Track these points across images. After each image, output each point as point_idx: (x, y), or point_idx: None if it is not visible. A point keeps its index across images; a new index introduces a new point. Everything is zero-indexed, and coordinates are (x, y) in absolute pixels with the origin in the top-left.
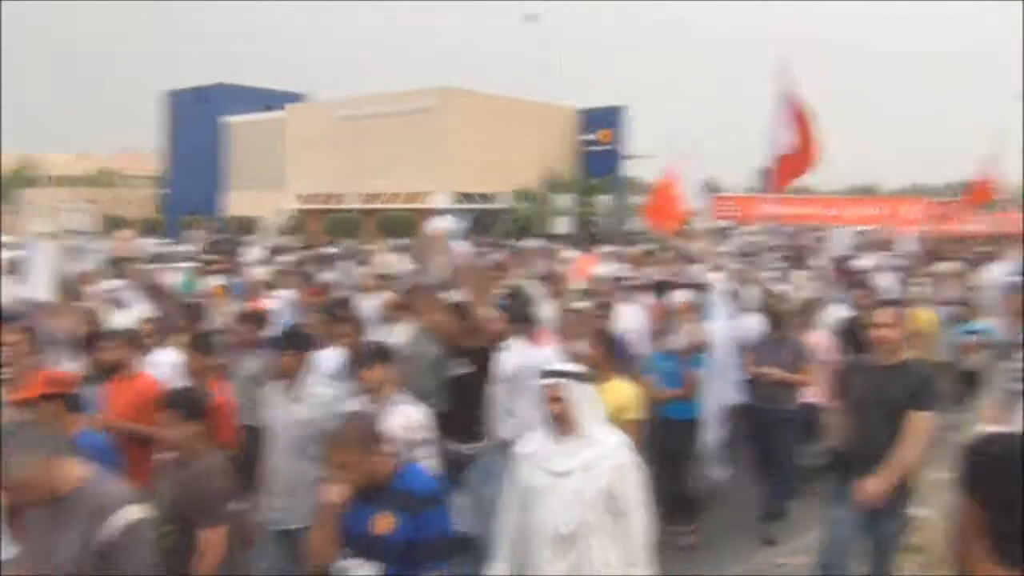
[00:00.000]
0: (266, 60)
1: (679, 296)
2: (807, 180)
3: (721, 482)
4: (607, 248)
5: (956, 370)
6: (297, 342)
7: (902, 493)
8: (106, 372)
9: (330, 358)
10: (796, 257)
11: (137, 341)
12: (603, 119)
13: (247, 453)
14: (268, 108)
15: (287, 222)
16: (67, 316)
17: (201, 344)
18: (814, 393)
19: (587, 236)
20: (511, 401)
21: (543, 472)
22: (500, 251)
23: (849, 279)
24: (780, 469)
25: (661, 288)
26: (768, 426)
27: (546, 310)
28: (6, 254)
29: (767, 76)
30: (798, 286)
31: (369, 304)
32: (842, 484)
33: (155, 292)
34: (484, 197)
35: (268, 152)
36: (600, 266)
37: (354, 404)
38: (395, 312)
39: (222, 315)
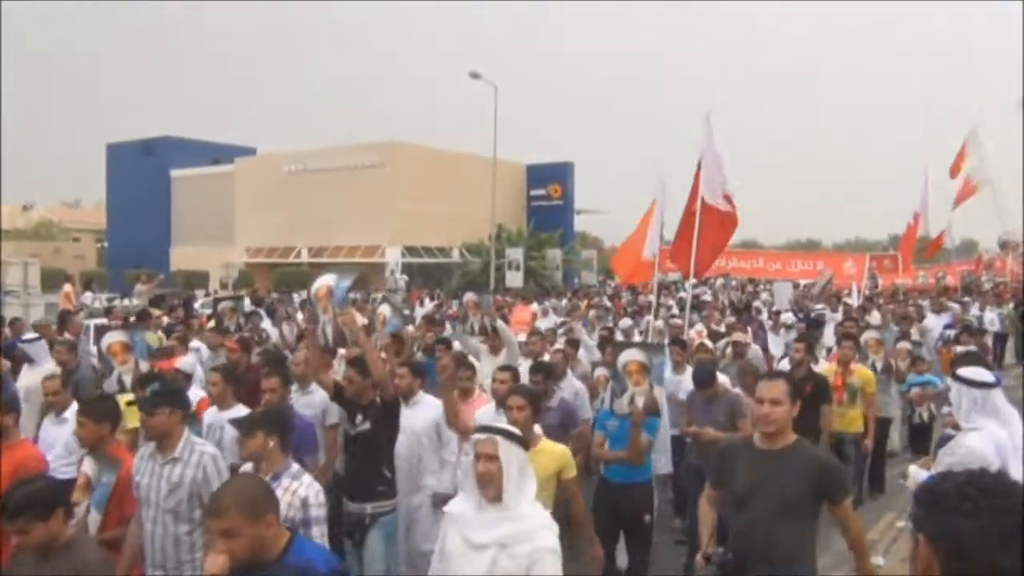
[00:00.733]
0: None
1: (628, 355)
2: (752, 233)
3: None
4: (550, 301)
5: (908, 422)
6: (172, 400)
7: None
8: None
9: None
10: (738, 311)
11: (15, 406)
12: (552, 174)
13: None
14: (216, 162)
15: (235, 276)
16: None
17: (94, 410)
18: None
19: (539, 290)
20: (417, 458)
21: (460, 539)
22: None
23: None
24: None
25: (605, 344)
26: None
27: (484, 365)
28: None
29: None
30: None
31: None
32: None
33: (64, 349)
34: (434, 251)
35: (216, 205)
36: (542, 319)
37: (246, 467)
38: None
39: (126, 373)
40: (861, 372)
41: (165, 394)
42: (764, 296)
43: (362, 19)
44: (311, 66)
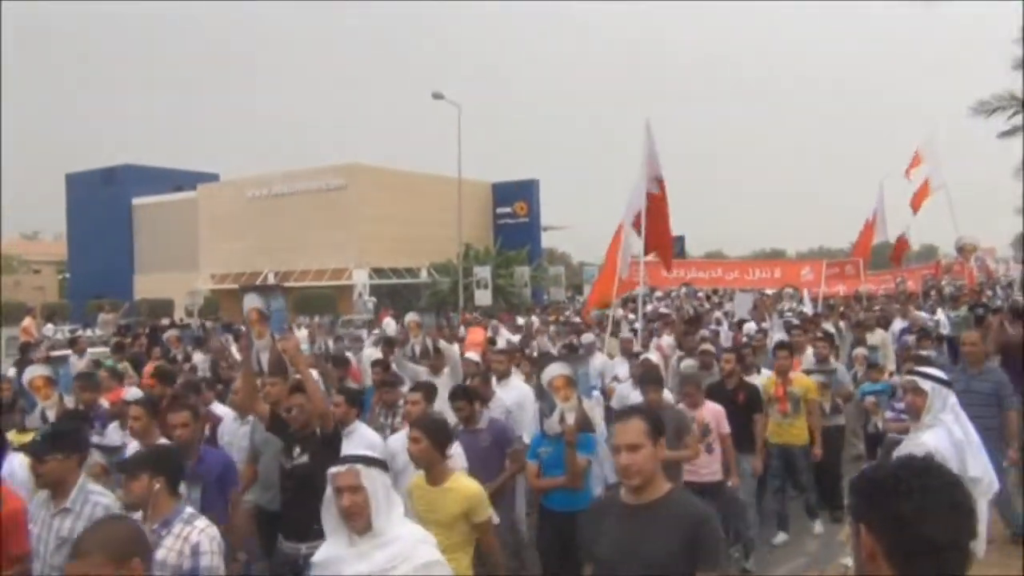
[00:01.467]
0: (173, 142)
1: (551, 371)
2: (717, 244)
3: None
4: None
5: (864, 431)
6: (65, 443)
7: None
8: None
9: None
10: (692, 322)
11: None
12: (518, 192)
13: None
14: (178, 188)
15: (200, 303)
16: None
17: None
18: (707, 469)
19: (507, 307)
20: None
21: None
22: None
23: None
24: None
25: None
26: None
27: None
28: None
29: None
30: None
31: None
32: None
33: None
34: (401, 272)
35: (179, 233)
36: (500, 337)
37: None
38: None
39: (49, 408)
40: (800, 380)
41: (58, 437)
42: (728, 307)
43: (322, 41)
44: (272, 90)
